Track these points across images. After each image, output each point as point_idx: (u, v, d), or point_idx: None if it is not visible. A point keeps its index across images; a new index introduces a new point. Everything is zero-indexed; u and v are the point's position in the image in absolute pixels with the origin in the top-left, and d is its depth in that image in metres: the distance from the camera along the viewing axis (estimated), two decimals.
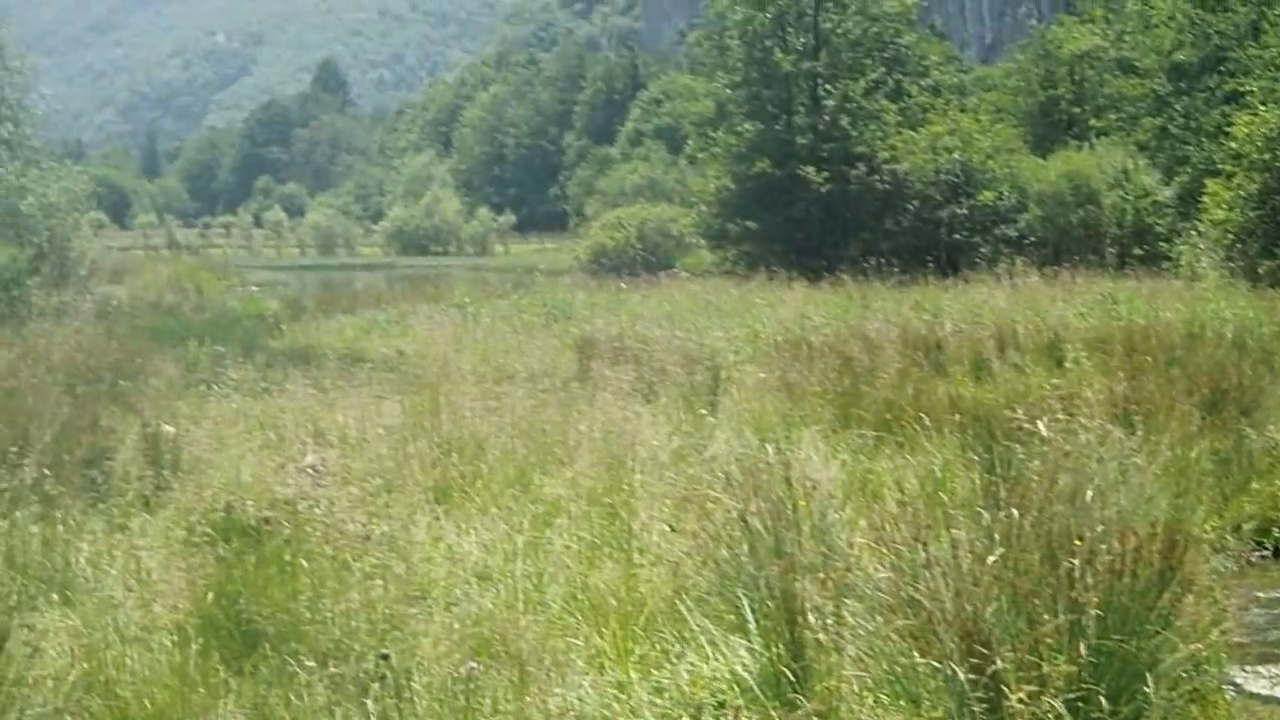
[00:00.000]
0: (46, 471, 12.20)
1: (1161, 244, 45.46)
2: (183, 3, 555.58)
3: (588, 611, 9.62)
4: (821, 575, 8.58)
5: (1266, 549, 12.96)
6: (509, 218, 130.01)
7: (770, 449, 11.15)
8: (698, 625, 9.00)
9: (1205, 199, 41.37)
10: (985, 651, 7.52)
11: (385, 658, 7.99)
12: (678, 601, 9.48)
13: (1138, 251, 45.02)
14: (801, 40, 55.55)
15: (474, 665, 8.14)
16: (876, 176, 52.35)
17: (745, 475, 9.94)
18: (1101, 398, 15.55)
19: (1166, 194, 47.72)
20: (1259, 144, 38.90)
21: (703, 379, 19.03)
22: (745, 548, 9.24)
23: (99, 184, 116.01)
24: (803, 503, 9.66)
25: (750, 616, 8.66)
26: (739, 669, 8.44)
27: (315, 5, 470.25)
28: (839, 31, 55.83)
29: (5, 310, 32.50)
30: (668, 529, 11.01)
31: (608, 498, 12.02)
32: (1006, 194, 50.82)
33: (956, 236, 50.45)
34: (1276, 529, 13.60)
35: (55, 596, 10.21)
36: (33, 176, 45.39)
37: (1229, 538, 11.58)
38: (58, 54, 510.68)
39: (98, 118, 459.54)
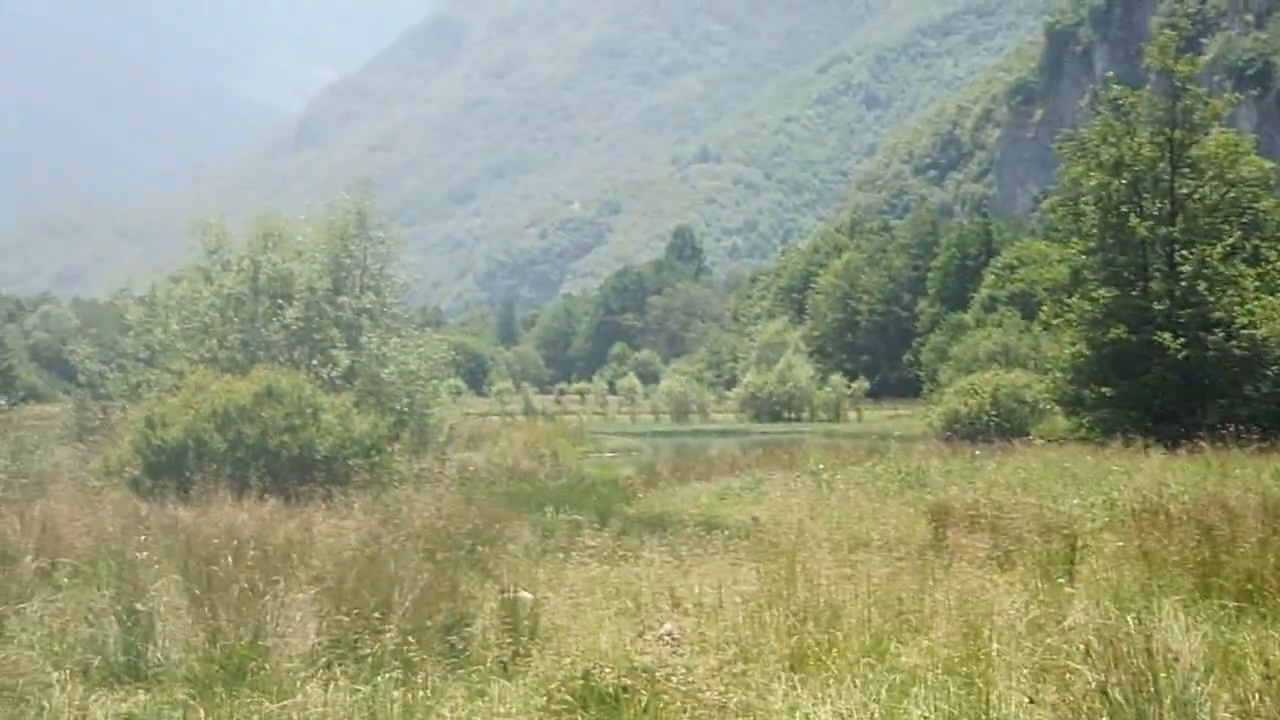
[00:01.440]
0: (408, 637, 12.66)
1: None
2: (540, 173, 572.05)
3: None
4: None
5: None
6: (861, 384, 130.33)
7: (1130, 619, 11.06)
8: None
9: None
10: None
11: None
12: None
13: None
14: (1158, 205, 54.93)
15: None
16: (1234, 342, 51.18)
17: (1104, 646, 9.88)
18: None
19: None
20: None
21: (1059, 547, 18.83)
22: None
23: (457, 351, 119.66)
24: (1164, 675, 9.57)
25: None
26: None
27: (670, 174, 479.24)
28: (1195, 197, 55.05)
29: (367, 477, 33.64)
30: (1026, 700, 10.87)
31: (964, 667, 11.97)
32: None
33: None
34: None
35: None
36: (394, 345, 47.22)
37: None
38: (418, 224, 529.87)
39: (457, 286, 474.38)
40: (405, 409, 46.66)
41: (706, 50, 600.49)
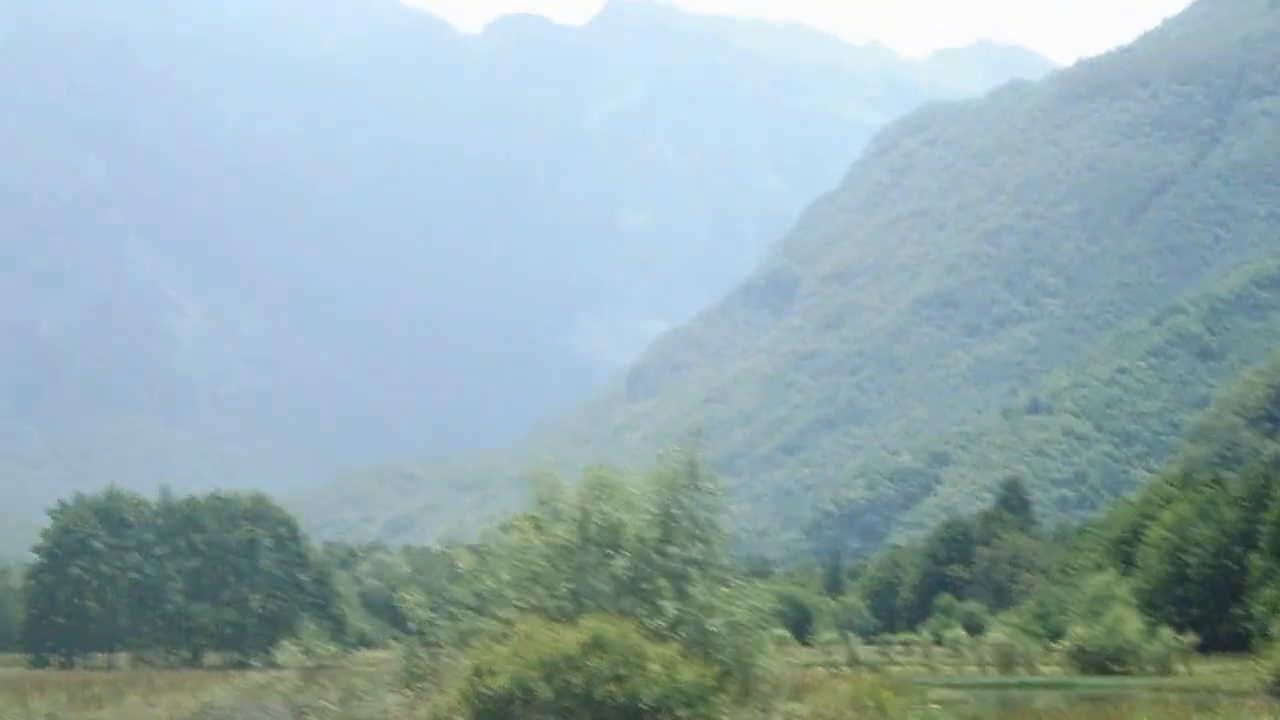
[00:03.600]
0: None
1: None
2: (869, 424, 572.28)
3: None
4: None
5: None
6: (1191, 638, 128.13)
7: None
8: None
9: None
10: None
11: None
12: None
13: None
14: None
15: None
16: None
17: None
18: None
19: None
20: None
21: None
22: None
23: (783, 601, 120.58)
24: None
25: None
26: None
27: (999, 425, 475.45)
28: None
29: None
30: None
31: None
32: None
33: None
34: None
35: None
36: (721, 595, 48.59)
37: None
38: (747, 474, 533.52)
39: (784, 535, 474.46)
40: (731, 659, 47.65)
41: (1039, 302, 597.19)
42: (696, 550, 48.83)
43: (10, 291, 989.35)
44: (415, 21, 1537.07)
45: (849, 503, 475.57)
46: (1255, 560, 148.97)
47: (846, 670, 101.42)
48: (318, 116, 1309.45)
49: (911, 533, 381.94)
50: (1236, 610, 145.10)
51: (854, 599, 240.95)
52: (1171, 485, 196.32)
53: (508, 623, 45.61)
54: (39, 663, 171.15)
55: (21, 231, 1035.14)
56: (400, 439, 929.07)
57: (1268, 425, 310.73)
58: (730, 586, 49.37)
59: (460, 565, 52.85)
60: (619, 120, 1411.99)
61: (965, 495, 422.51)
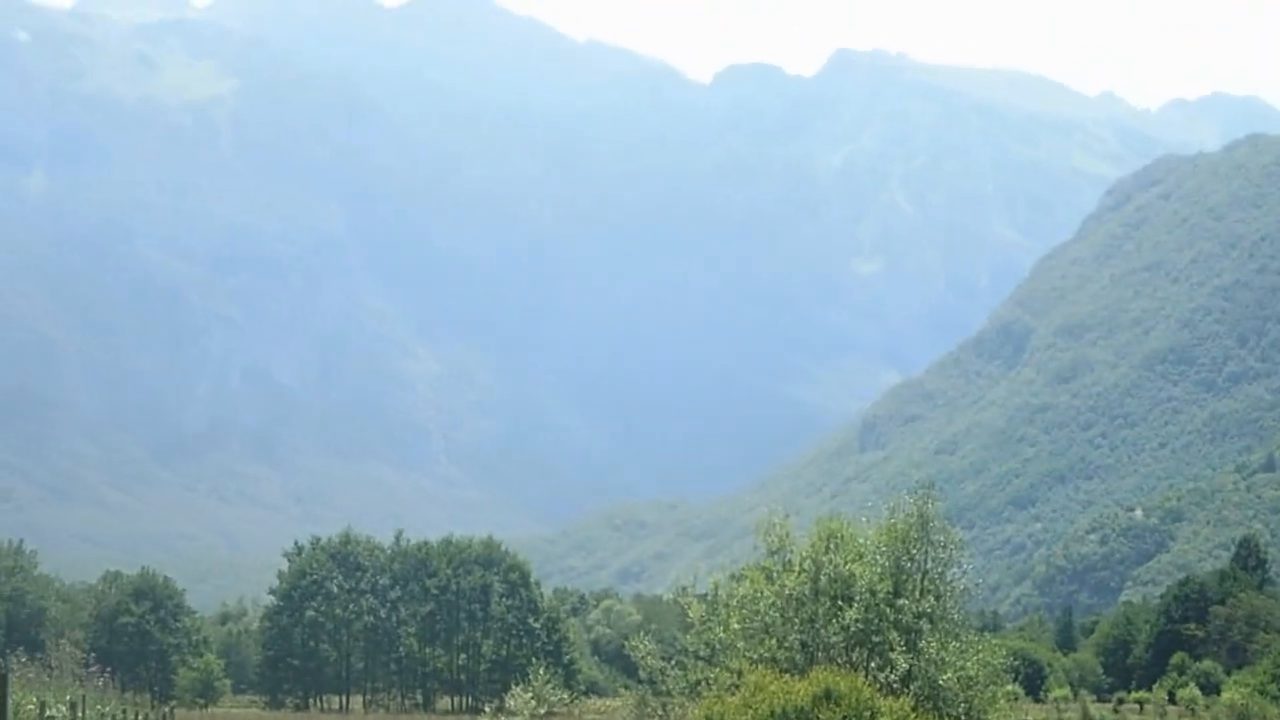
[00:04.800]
0: None
1: None
2: (1101, 480, 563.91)
3: None
4: None
5: None
6: None
7: None
8: None
9: None
10: None
11: None
12: None
13: None
14: None
15: None
16: None
17: None
18: None
19: None
20: None
21: None
22: None
23: (1014, 657, 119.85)
24: None
25: None
26: None
27: (1235, 482, 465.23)
28: None
29: None
30: None
31: None
32: None
33: None
34: None
35: None
36: (953, 649, 48.73)
37: None
38: (978, 527, 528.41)
39: (1015, 590, 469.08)
40: (963, 715, 47.71)
41: (1275, 358, 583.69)
42: (928, 603, 48.96)
43: (250, 336, 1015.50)
44: (647, 71, 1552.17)
45: (1081, 558, 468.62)
46: None
47: None
48: (552, 163, 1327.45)
49: (1144, 589, 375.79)
50: None
51: (1086, 656, 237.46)
52: None
53: (738, 673, 46.09)
54: (275, 704, 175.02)
55: (260, 277, 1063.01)
56: (630, 486, 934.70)
57: None
58: (962, 641, 49.38)
59: (691, 614, 53.39)
60: (850, 170, 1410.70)
61: (1200, 552, 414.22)
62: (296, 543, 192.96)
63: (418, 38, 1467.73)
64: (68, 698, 51.08)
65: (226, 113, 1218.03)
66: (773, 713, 36.32)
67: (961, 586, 52.08)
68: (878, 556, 49.83)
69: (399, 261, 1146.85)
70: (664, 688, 51.81)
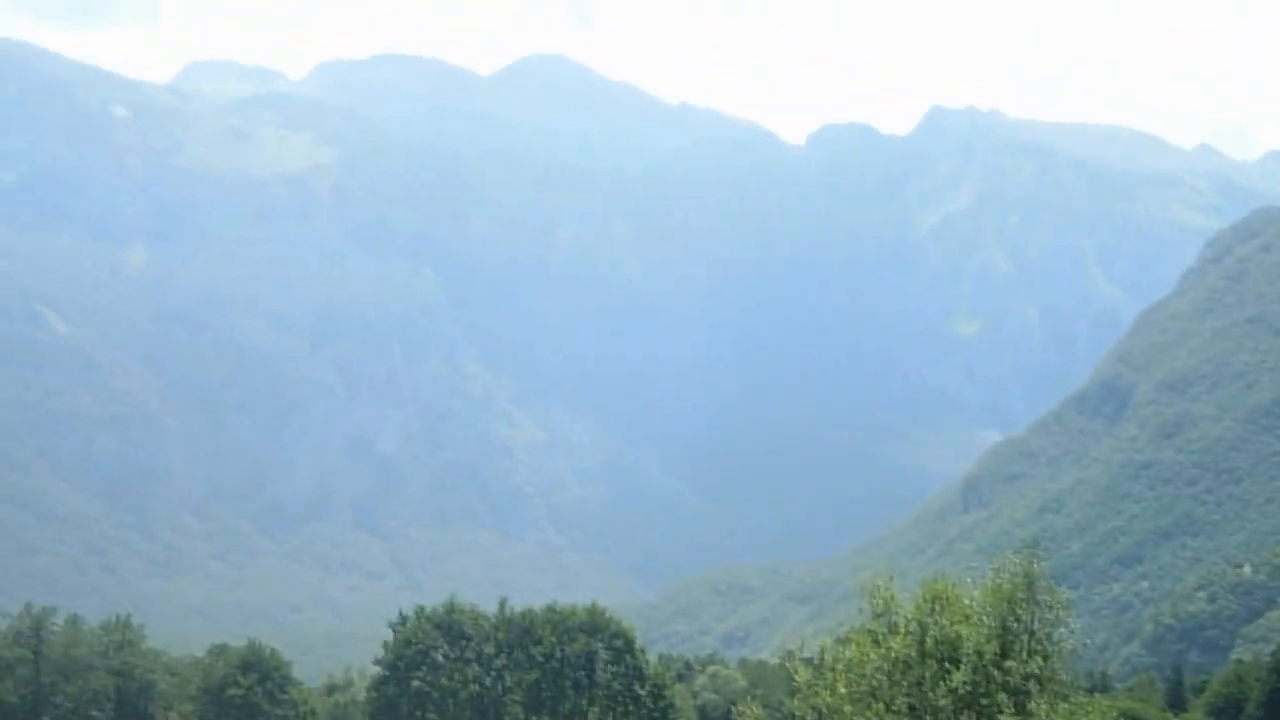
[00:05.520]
0: None
1: None
2: (1208, 536, 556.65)
3: None
4: None
5: None
6: None
7: None
8: None
9: None
10: None
11: None
12: None
13: None
14: None
15: None
16: None
17: None
18: None
19: None
20: None
21: None
22: None
23: (1125, 718, 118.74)
24: None
25: None
26: None
27: None
28: None
29: None
30: None
31: None
32: None
33: None
34: None
35: None
36: (1062, 711, 48.45)
37: None
38: (1084, 587, 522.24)
39: (1124, 650, 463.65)
40: None
41: None
42: (1036, 664, 48.68)
43: (350, 407, 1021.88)
44: (740, 132, 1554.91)
45: (1189, 616, 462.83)
46: None
47: None
48: (646, 227, 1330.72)
49: (1255, 647, 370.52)
50: None
51: (1198, 715, 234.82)
52: None
53: None
54: None
55: (360, 346, 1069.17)
56: (732, 551, 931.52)
57: None
58: (1071, 702, 49.04)
59: (798, 679, 53.25)
60: (947, 228, 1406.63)
61: None
62: (401, 612, 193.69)
63: (511, 104, 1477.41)
64: None
65: (323, 184, 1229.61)
66: None
67: (1069, 647, 51.76)
68: (984, 618, 49.55)
69: (497, 329, 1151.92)
70: None
